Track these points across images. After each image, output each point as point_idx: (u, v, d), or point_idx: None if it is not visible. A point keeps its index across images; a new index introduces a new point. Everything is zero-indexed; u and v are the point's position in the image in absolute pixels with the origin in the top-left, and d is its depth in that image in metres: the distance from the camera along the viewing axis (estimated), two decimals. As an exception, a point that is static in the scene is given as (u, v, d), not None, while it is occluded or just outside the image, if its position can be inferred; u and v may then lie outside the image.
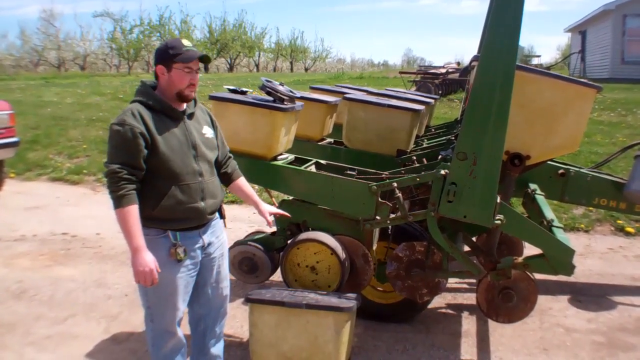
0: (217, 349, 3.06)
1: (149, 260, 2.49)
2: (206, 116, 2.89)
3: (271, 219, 3.12)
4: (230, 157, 3.02)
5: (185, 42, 2.68)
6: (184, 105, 2.72)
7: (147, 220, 2.56)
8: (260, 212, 3.07)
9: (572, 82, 3.44)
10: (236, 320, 4.08)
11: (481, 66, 3.00)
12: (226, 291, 2.99)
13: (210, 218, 2.79)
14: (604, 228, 6.40)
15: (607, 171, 5.17)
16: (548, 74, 3.47)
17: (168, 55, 2.61)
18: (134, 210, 2.49)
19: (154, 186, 2.57)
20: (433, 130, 6.55)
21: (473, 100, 3.06)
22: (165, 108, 2.64)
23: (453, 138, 4.87)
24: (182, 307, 2.78)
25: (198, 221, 2.71)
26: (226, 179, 2.99)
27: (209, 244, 2.81)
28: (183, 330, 2.86)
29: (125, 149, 2.51)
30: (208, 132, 2.81)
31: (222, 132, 2.99)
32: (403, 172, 4.03)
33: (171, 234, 2.62)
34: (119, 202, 2.48)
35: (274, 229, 3.94)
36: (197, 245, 2.73)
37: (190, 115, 2.75)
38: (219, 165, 2.93)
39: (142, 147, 2.51)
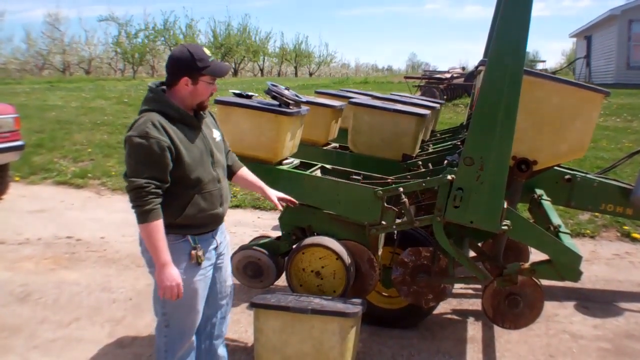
0: (223, 349, 3.07)
1: (175, 274, 2.50)
2: (211, 118, 2.88)
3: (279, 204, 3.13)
4: (229, 151, 3.01)
5: (207, 51, 2.64)
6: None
7: (167, 227, 2.52)
8: (268, 197, 3.08)
9: (579, 87, 3.42)
10: (240, 325, 4.06)
11: (488, 71, 2.99)
12: (230, 290, 3.01)
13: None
14: (610, 234, 6.36)
15: (613, 177, 5.15)
16: (556, 78, 3.45)
17: (196, 67, 2.56)
18: (160, 225, 2.47)
19: (177, 195, 2.55)
20: (439, 135, 6.54)
21: (480, 105, 3.04)
22: (184, 117, 2.60)
23: (459, 143, 4.85)
24: (201, 310, 2.79)
25: (215, 225, 2.75)
26: (229, 172, 2.96)
27: (220, 244, 2.84)
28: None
29: (151, 163, 2.44)
30: (217, 135, 2.81)
31: (228, 136, 2.99)
32: (409, 177, 4.02)
33: (190, 238, 2.63)
34: (145, 217, 2.43)
35: (279, 233, 3.93)
36: (212, 247, 2.76)
37: (203, 121, 2.73)
38: None
39: (168, 160, 2.47)
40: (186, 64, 2.56)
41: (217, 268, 2.87)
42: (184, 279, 2.55)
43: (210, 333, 2.98)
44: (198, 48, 2.61)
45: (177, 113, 2.57)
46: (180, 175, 2.53)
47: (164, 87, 2.66)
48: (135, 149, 2.44)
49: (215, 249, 2.79)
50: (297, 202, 3.29)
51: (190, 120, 2.62)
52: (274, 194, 3.11)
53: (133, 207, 2.45)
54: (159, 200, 2.47)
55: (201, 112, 2.71)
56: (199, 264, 2.64)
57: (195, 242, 2.63)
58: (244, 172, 3.05)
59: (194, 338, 2.84)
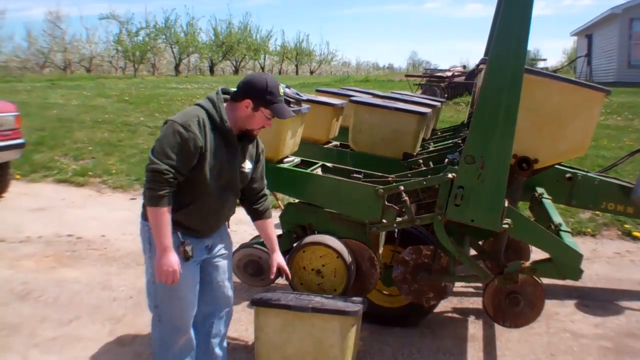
0: (222, 350, 3.07)
1: (174, 260, 2.57)
2: (254, 150, 2.88)
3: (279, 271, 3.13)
4: (265, 196, 3.01)
5: (281, 89, 2.70)
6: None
7: None
8: (271, 260, 3.09)
9: (580, 85, 3.42)
10: (241, 324, 4.06)
11: (489, 69, 2.98)
12: (231, 292, 3.03)
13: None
14: (610, 232, 6.36)
15: (614, 175, 5.14)
16: (557, 77, 3.45)
17: (263, 98, 2.63)
18: (168, 212, 2.53)
19: (181, 192, 2.59)
20: (439, 133, 6.53)
21: (481, 103, 3.04)
22: (227, 132, 2.63)
23: (460, 141, 4.85)
24: (193, 306, 2.81)
25: (203, 234, 2.79)
26: (255, 215, 3.02)
27: (213, 245, 2.86)
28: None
29: (179, 154, 2.50)
30: (247, 167, 2.82)
31: None
32: (410, 175, 4.01)
33: (180, 234, 2.66)
34: (156, 201, 2.50)
35: (279, 231, 3.93)
36: (203, 245, 2.79)
37: (242, 147, 2.76)
38: (252, 199, 2.97)
39: (194, 159, 2.54)
40: (257, 90, 2.63)
41: (214, 267, 2.89)
42: None
43: (208, 332, 2.99)
44: (276, 83, 2.68)
45: (221, 124, 2.62)
46: (193, 177, 2.58)
47: (229, 96, 2.72)
48: (172, 135, 2.50)
49: (208, 248, 2.83)
50: (290, 275, 3.24)
51: (230, 138, 2.66)
52: (276, 261, 3.09)
53: (147, 188, 2.51)
54: (173, 188, 2.52)
55: (247, 138, 2.74)
56: (186, 259, 2.66)
57: (183, 238, 2.67)
58: (268, 224, 3.05)
59: (191, 335, 2.85)
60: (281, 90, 2.71)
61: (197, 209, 2.67)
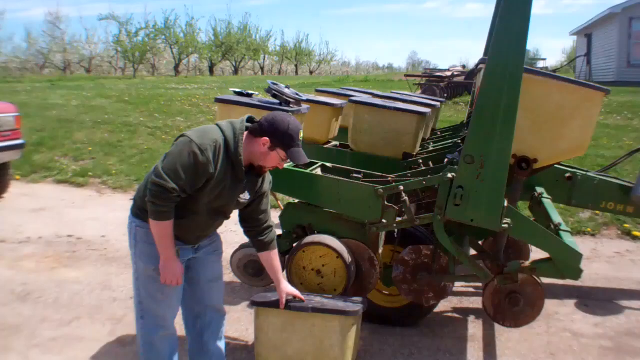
0: (219, 349, 3.08)
1: (178, 269, 2.67)
2: (260, 183, 2.84)
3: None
4: (271, 227, 2.98)
5: (301, 133, 2.72)
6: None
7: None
8: (278, 290, 3.09)
9: (580, 85, 3.42)
10: (241, 324, 4.06)
11: (488, 69, 2.99)
12: (221, 289, 3.06)
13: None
14: (610, 232, 6.36)
15: (613, 175, 5.14)
16: (556, 77, 3.46)
17: (283, 140, 2.63)
18: (171, 225, 2.58)
19: (178, 204, 2.60)
20: (439, 133, 6.54)
21: (480, 103, 3.04)
22: (237, 166, 2.62)
23: (459, 141, 4.85)
24: (176, 303, 2.85)
25: (188, 243, 2.81)
26: (260, 247, 2.99)
27: (200, 245, 2.89)
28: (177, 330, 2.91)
29: (189, 175, 2.50)
30: (245, 197, 2.79)
31: None
32: (409, 175, 4.02)
33: None
34: (160, 216, 2.54)
35: (279, 231, 3.93)
36: (188, 246, 2.82)
37: (248, 180, 2.75)
38: (258, 230, 2.94)
39: (201, 183, 2.55)
40: (278, 130, 2.62)
41: (201, 265, 2.92)
42: (154, 268, 2.67)
43: (200, 331, 3.02)
44: (297, 127, 2.69)
45: (235, 157, 2.60)
46: (192, 196, 2.59)
47: (250, 124, 2.70)
48: (187, 155, 2.50)
49: (194, 248, 2.85)
50: (304, 299, 3.18)
51: (239, 171, 2.64)
52: (285, 291, 3.08)
53: (151, 202, 2.52)
54: (174, 204, 2.55)
55: (255, 173, 2.75)
56: None
57: None
58: (273, 255, 3.02)
59: (173, 332, 2.89)
60: (301, 135, 2.71)
61: (185, 224, 2.68)
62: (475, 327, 4.11)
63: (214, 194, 2.62)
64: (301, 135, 2.72)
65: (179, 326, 3.00)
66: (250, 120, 2.75)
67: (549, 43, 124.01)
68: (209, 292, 2.98)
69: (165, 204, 2.51)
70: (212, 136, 2.56)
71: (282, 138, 2.62)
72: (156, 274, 2.67)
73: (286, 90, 3.70)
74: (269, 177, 2.93)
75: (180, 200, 2.57)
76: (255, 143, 2.65)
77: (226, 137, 2.59)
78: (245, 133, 2.66)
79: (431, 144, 5.68)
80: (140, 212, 2.70)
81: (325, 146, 5.00)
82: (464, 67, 24.30)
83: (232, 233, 5.95)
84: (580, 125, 3.39)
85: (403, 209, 3.44)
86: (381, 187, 3.45)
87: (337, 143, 5.22)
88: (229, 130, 2.61)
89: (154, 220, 2.55)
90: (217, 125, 2.65)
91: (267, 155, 2.66)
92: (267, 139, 2.62)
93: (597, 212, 6.38)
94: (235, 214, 2.93)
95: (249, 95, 3.82)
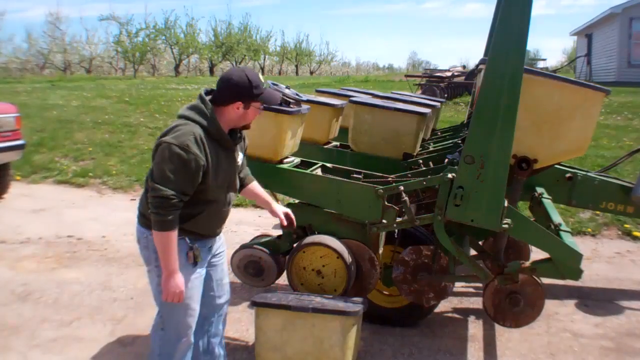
0: (222, 349, 3.09)
1: (181, 282, 2.59)
2: (243, 142, 2.89)
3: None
4: (247, 170, 3.03)
5: (262, 77, 2.68)
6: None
7: None
8: (272, 212, 3.09)
9: (580, 85, 3.42)
10: (242, 324, 4.06)
11: (488, 69, 2.99)
12: (228, 290, 3.06)
13: None
14: (611, 232, 6.36)
15: (614, 175, 5.14)
16: (556, 77, 3.45)
17: (251, 94, 2.61)
18: (175, 235, 2.53)
19: (190, 205, 2.58)
20: (439, 133, 6.53)
21: (480, 103, 3.04)
22: (223, 139, 2.62)
23: (459, 141, 4.85)
24: (198, 311, 2.82)
25: (209, 237, 2.81)
26: (241, 187, 3.00)
27: (213, 244, 2.88)
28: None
29: (183, 177, 2.47)
30: (240, 158, 2.82)
31: None
32: (409, 175, 4.02)
33: (188, 239, 2.66)
34: (164, 226, 2.48)
35: (280, 232, 3.93)
36: (207, 246, 2.81)
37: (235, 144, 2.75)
38: (241, 179, 2.98)
39: (199, 178, 2.52)
40: (243, 90, 2.60)
41: (212, 267, 2.91)
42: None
43: (207, 332, 3.02)
44: (255, 75, 2.65)
45: (218, 133, 2.59)
46: (201, 190, 2.58)
47: (212, 97, 2.66)
48: (172, 158, 2.45)
49: (210, 248, 2.85)
50: (295, 224, 3.22)
51: (226, 143, 2.65)
52: (280, 210, 3.10)
53: (154, 213, 2.48)
54: (179, 211, 2.51)
55: (238, 134, 2.75)
56: (195, 263, 2.69)
57: (192, 242, 2.67)
58: (254, 185, 3.05)
59: (192, 340, 2.85)
60: (262, 77, 2.69)
61: (206, 216, 2.68)
62: (475, 327, 4.11)
63: (219, 178, 2.62)
64: (261, 78, 2.69)
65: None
66: (207, 92, 2.70)
67: (549, 43, 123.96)
68: (219, 293, 2.98)
69: (168, 213, 2.46)
70: (188, 130, 2.51)
71: (250, 92, 2.60)
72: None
73: (286, 91, 3.70)
74: (243, 133, 2.91)
75: (194, 198, 2.56)
76: (227, 112, 2.63)
77: (201, 124, 2.55)
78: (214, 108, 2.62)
79: (431, 144, 5.67)
80: (149, 222, 2.62)
81: (326, 146, 4.99)
82: (464, 67, 24.29)
83: (232, 233, 5.96)
84: (581, 125, 3.38)
85: (403, 209, 3.44)
86: (381, 187, 3.45)
87: (338, 143, 5.21)
88: (199, 118, 2.56)
89: (158, 231, 2.49)
90: (183, 116, 2.59)
91: (245, 115, 2.66)
92: (239, 102, 2.61)
93: (598, 212, 6.37)
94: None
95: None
